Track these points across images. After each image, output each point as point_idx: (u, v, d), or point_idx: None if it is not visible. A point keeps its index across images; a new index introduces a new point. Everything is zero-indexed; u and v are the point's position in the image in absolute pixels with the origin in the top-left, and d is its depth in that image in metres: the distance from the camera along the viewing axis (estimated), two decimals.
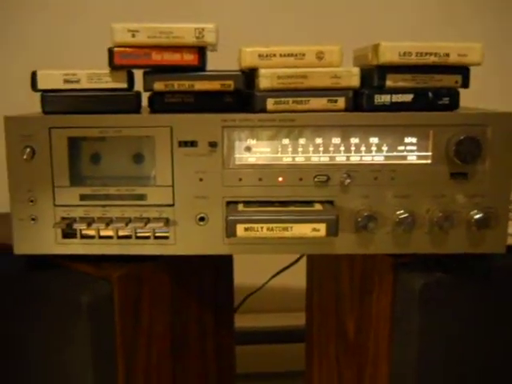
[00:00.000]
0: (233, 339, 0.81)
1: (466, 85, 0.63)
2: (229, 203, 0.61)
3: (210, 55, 0.63)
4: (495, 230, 0.61)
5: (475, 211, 0.60)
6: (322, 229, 0.56)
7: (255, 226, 0.56)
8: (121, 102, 0.62)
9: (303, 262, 0.90)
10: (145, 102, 0.65)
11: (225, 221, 0.58)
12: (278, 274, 0.95)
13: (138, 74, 0.63)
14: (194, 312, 0.73)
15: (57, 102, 0.62)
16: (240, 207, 0.60)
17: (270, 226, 0.56)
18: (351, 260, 0.72)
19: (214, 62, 0.64)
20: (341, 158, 0.61)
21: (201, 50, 0.61)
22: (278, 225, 0.56)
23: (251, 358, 1.08)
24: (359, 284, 0.71)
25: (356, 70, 0.61)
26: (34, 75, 0.61)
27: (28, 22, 1.07)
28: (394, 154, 0.61)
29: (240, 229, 0.56)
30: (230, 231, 0.57)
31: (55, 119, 0.60)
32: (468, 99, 0.65)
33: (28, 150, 0.60)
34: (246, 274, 0.91)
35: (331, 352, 0.80)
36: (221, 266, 0.78)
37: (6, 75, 1.06)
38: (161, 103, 0.63)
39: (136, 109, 0.63)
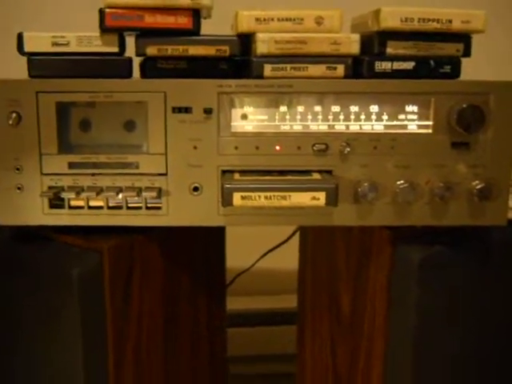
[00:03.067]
0: (224, 317, 0.79)
1: (467, 53, 0.61)
2: (224, 172, 0.59)
3: (202, 23, 0.61)
4: (496, 202, 0.59)
5: (476, 182, 0.59)
6: (321, 198, 0.55)
7: (252, 194, 0.54)
8: (112, 67, 0.60)
9: (295, 242, 0.88)
10: (136, 72, 0.63)
11: (221, 189, 0.56)
12: (270, 251, 0.93)
13: (130, 42, 0.61)
14: (186, 288, 0.71)
15: (44, 66, 0.59)
16: (236, 176, 0.58)
17: (268, 194, 0.55)
18: (347, 234, 0.70)
19: (206, 31, 0.62)
20: (340, 127, 0.59)
21: (195, 13, 0.58)
22: (276, 193, 0.55)
23: (242, 340, 1.06)
24: (355, 259, 0.70)
25: (356, 37, 0.60)
26: (20, 37, 0.59)
27: None
28: (395, 122, 0.59)
29: (237, 197, 0.54)
30: (227, 200, 0.55)
31: (43, 83, 0.58)
32: (468, 69, 0.63)
33: (14, 115, 0.57)
34: (237, 255, 0.89)
35: (324, 331, 0.79)
36: (212, 241, 0.75)
37: None
38: (153, 69, 0.60)
39: (127, 74, 0.60)
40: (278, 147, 0.59)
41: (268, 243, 0.94)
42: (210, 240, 0.75)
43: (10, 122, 0.57)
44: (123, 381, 0.63)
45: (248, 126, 0.59)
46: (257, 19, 0.59)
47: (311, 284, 0.82)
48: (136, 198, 0.59)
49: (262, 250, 0.96)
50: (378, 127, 0.59)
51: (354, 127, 0.59)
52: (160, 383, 0.70)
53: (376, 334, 0.65)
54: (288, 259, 0.91)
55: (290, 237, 0.89)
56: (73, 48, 0.59)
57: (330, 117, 0.59)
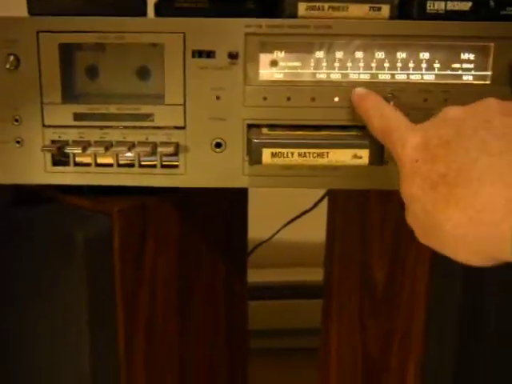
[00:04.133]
0: (245, 289, 0.73)
1: None
2: (250, 126, 0.52)
3: None
4: None
5: None
6: (364, 156, 0.47)
7: (284, 150, 0.47)
8: (123, 4, 0.52)
9: (322, 211, 0.81)
10: (150, 13, 0.56)
11: (247, 145, 0.49)
12: (294, 220, 0.87)
13: None
14: (204, 256, 0.65)
15: (46, 2, 0.52)
16: (264, 131, 0.50)
17: (303, 151, 0.47)
18: (383, 200, 0.63)
19: None
20: (385, 76, 0.51)
21: None
22: (312, 150, 0.47)
23: (263, 314, 1.01)
24: (392, 228, 0.63)
25: None
26: None
27: None
28: (448, 72, 0.52)
29: (266, 154, 0.47)
30: (255, 157, 0.48)
31: (44, 21, 0.51)
32: None
33: (11, 58, 0.51)
34: (258, 223, 0.82)
35: (353, 306, 0.72)
36: (234, 205, 0.69)
37: None
38: (170, 9, 0.53)
39: (141, 13, 0.53)
40: (312, 98, 0.51)
41: (292, 211, 0.87)
42: (232, 203, 0.69)
43: (7, 66, 0.51)
44: (134, 357, 0.58)
45: (278, 74, 0.52)
46: None
47: (339, 255, 0.76)
48: (150, 155, 0.52)
49: (285, 218, 0.89)
50: (429, 77, 0.52)
51: (401, 76, 0.52)
52: (174, 358, 0.65)
53: (416, 313, 0.59)
54: (314, 229, 0.85)
55: (316, 203, 0.82)
56: None
57: (373, 64, 0.51)
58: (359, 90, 0.49)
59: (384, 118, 0.44)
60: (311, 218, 0.85)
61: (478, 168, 0.36)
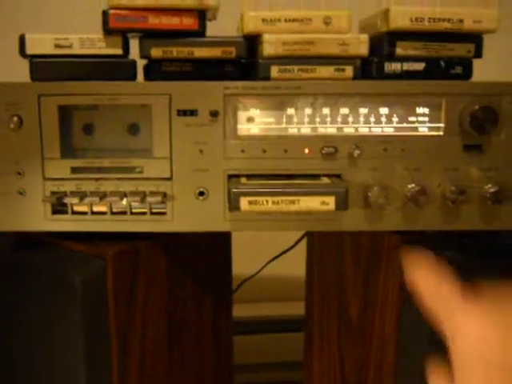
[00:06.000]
0: (231, 325, 0.78)
1: (478, 54, 0.60)
2: (230, 176, 0.57)
3: (208, 26, 0.59)
4: (509, 206, 0.58)
5: (489, 185, 0.57)
6: (330, 202, 0.53)
7: (260, 199, 0.53)
8: (115, 70, 0.58)
9: (303, 248, 0.86)
10: (140, 75, 0.62)
11: (227, 194, 0.55)
12: (276, 257, 0.92)
13: (133, 44, 0.60)
14: (191, 295, 0.70)
15: (47, 69, 0.58)
16: (243, 180, 0.56)
17: (276, 199, 0.53)
18: (356, 239, 0.69)
19: (211, 33, 0.61)
20: (349, 129, 0.57)
21: (201, 14, 0.57)
22: (285, 198, 0.53)
23: (248, 348, 1.05)
24: (364, 266, 0.68)
25: (365, 37, 0.58)
26: (22, 39, 0.57)
27: None
28: (405, 125, 0.58)
29: (244, 202, 0.53)
30: (233, 205, 0.53)
31: (45, 86, 0.56)
32: (480, 70, 0.62)
33: (15, 118, 0.56)
34: (243, 261, 0.87)
35: (332, 339, 0.77)
36: (219, 247, 0.74)
37: None
38: (158, 72, 0.59)
39: (131, 77, 0.59)
40: (285, 151, 0.57)
41: (274, 249, 0.92)
42: (216, 246, 0.74)
43: (12, 126, 0.56)
44: None
45: (254, 129, 0.58)
46: (263, 20, 0.58)
47: (318, 291, 0.81)
48: (140, 203, 0.57)
49: (268, 256, 0.94)
50: (388, 130, 0.58)
51: (364, 130, 0.57)
52: None
53: (386, 344, 0.63)
54: (295, 265, 0.90)
55: (296, 243, 0.87)
56: (76, 50, 0.58)
57: (339, 119, 0.57)
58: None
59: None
60: (293, 255, 0.90)
61: None
